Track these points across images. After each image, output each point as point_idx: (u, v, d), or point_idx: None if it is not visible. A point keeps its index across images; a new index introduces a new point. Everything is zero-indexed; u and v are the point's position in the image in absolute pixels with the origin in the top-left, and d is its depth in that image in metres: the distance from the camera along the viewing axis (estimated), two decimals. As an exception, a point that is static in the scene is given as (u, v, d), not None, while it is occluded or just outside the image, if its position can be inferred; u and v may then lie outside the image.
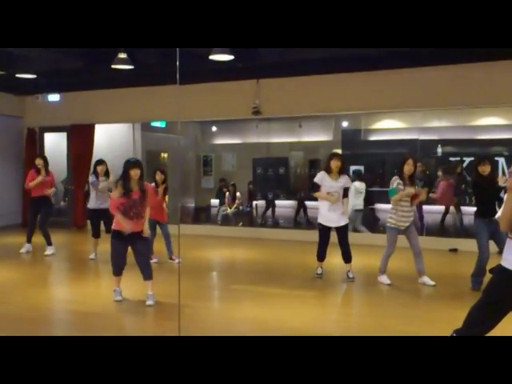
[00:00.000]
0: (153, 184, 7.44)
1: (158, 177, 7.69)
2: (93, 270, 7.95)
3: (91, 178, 8.10)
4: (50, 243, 8.55)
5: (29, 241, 8.74)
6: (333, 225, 6.79)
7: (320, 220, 6.88)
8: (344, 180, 6.73)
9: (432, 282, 6.37)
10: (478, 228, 6.06)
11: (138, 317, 5.35)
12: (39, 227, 8.51)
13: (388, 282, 6.53)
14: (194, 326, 4.73)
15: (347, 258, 6.81)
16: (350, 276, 6.78)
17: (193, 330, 4.51)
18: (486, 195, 6.02)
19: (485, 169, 5.95)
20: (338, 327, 5.10)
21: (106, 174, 8.05)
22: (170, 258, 7.88)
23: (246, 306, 5.61)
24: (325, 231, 6.86)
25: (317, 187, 6.73)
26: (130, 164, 5.49)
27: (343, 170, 6.77)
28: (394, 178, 6.38)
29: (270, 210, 12.97)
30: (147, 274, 5.59)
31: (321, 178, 6.71)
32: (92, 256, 8.16)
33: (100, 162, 8.09)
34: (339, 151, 12.51)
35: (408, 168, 6.28)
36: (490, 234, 5.92)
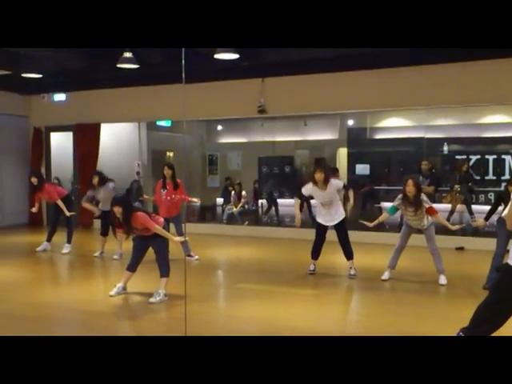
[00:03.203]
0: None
1: (166, 172, 7.68)
2: (101, 269, 7.97)
3: (89, 193, 8.32)
4: (69, 241, 8.67)
5: (48, 240, 8.82)
6: (328, 223, 6.84)
7: (318, 219, 6.96)
8: (332, 188, 6.68)
9: (442, 282, 6.31)
10: (497, 228, 6.00)
11: (145, 315, 5.35)
12: (67, 224, 8.64)
13: (384, 277, 6.53)
14: (200, 325, 4.73)
15: (348, 255, 6.84)
16: (352, 273, 6.79)
17: (199, 330, 4.51)
18: None
19: None
20: (342, 326, 5.10)
21: (102, 181, 8.10)
22: (188, 255, 7.70)
23: (252, 305, 5.61)
24: (320, 230, 6.90)
25: (302, 197, 6.99)
26: (112, 203, 5.69)
27: (328, 179, 6.66)
28: (398, 196, 6.32)
29: (274, 208, 12.93)
30: (161, 271, 5.77)
31: (309, 189, 6.76)
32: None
33: (93, 174, 8.31)
34: (344, 149, 12.52)
35: (408, 189, 6.13)
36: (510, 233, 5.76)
